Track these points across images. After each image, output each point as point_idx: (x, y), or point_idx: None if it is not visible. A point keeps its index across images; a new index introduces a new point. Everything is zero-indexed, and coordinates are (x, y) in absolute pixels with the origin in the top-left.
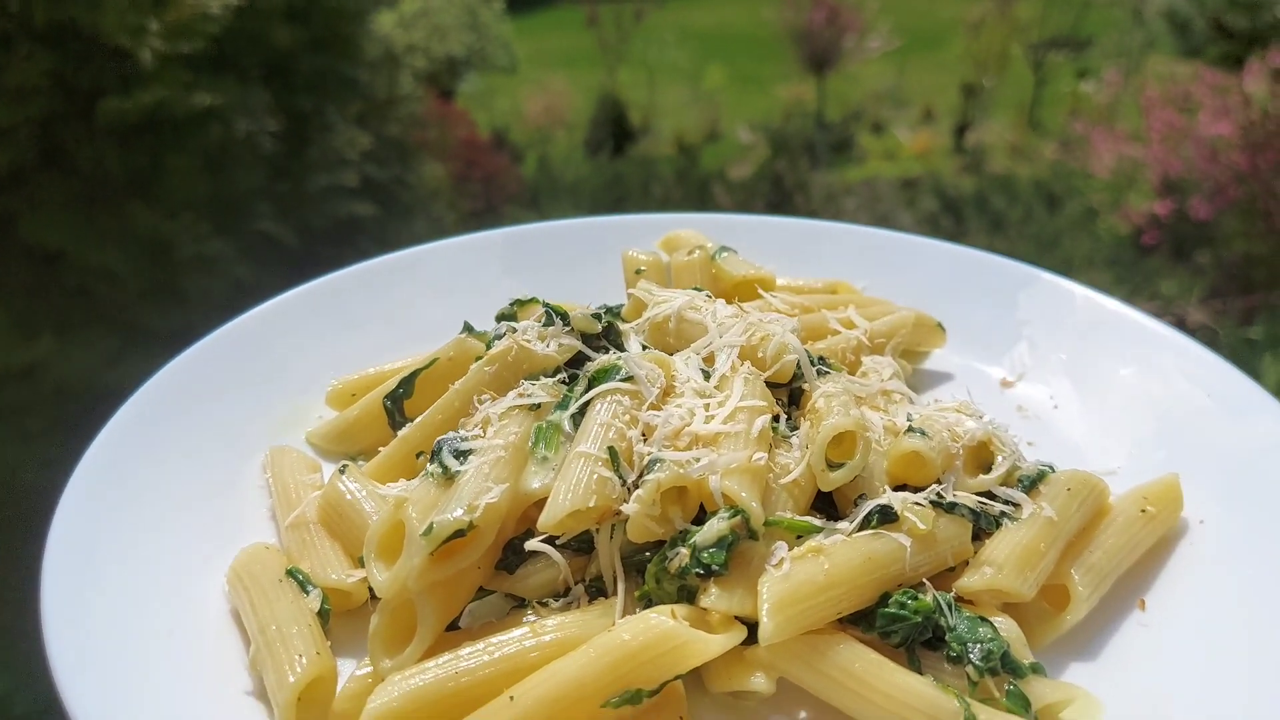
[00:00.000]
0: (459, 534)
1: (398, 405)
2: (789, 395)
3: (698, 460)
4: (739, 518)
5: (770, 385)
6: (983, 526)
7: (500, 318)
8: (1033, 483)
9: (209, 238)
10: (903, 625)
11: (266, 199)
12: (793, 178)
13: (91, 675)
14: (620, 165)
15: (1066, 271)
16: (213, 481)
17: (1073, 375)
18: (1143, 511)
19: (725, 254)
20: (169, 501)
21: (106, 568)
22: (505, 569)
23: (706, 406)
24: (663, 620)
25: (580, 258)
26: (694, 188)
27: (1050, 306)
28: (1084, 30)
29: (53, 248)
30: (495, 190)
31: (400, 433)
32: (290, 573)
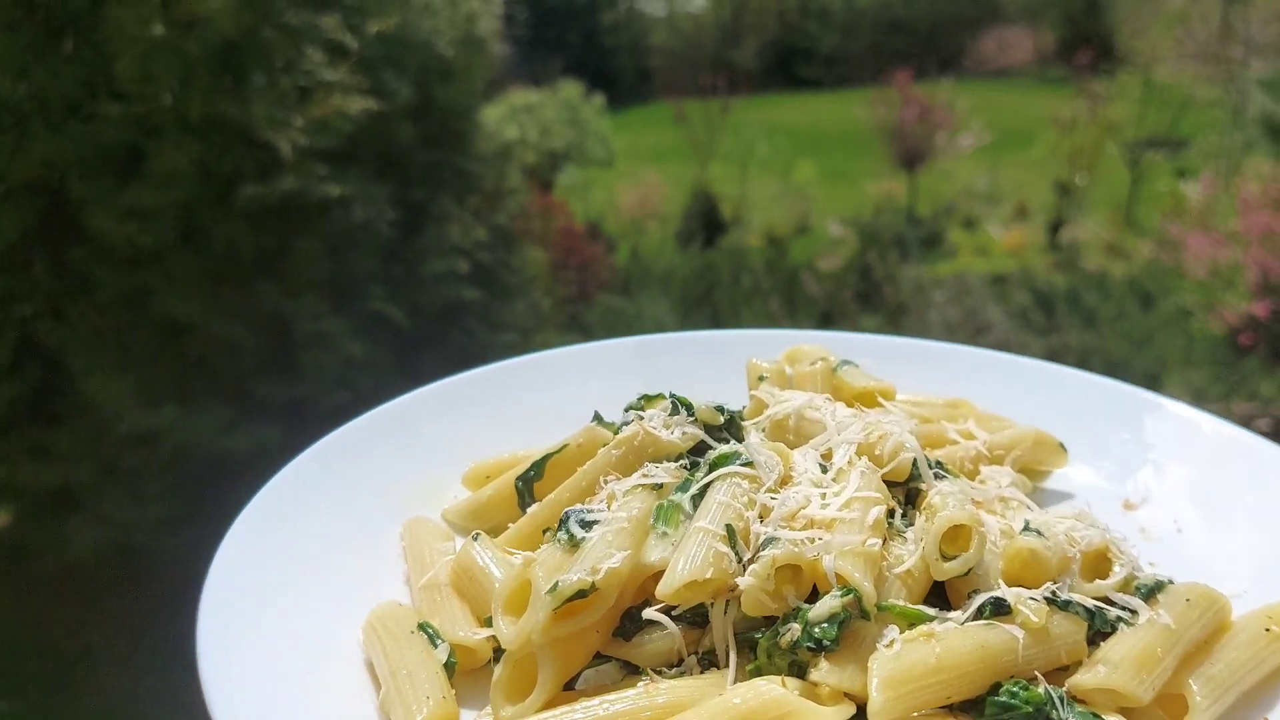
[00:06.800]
0: (581, 594)
1: (528, 486)
2: (905, 495)
3: (813, 540)
4: (851, 596)
5: (887, 484)
6: (1098, 628)
7: (629, 409)
8: (1151, 591)
9: (326, 316)
10: (1013, 715)
11: (380, 281)
12: (881, 270)
13: (241, 698)
14: (711, 256)
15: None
16: (354, 547)
17: (1197, 500)
18: (1267, 630)
19: (847, 367)
20: (313, 562)
21: (255, 613)
22: (622, 636)
23: (823, 495)
24: (773, 688)
25: (705, 366)
26: (783, 278)
27: (1176, 433)
28: (1182, 130)
29: (181, 320)
30: (590, 277)
31: (529, 509)
32: (421, 626)
